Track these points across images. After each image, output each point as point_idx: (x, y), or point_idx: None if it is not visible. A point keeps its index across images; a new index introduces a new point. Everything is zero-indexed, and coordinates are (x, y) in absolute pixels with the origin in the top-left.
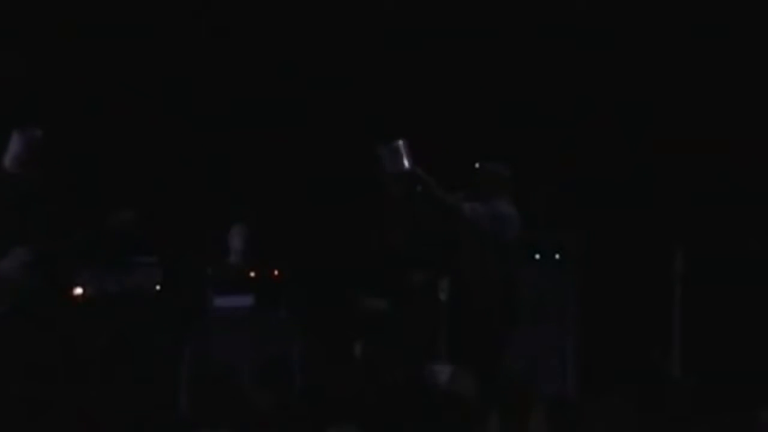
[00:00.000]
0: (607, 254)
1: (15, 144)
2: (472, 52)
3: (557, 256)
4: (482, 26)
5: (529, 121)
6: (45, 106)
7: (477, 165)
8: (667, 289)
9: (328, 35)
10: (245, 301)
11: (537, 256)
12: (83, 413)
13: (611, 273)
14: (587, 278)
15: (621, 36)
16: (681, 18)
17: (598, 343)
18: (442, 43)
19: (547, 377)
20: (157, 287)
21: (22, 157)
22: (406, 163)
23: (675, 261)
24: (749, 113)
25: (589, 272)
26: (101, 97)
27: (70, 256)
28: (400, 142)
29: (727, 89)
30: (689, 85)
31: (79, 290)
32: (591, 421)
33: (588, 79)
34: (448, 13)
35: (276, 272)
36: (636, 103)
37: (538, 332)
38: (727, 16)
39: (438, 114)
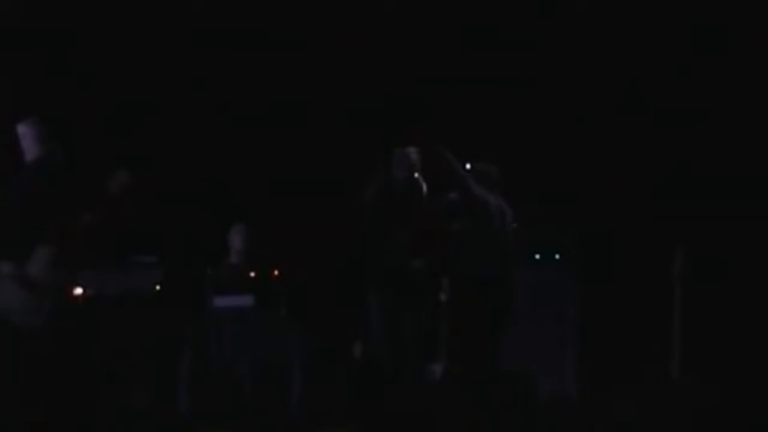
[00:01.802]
0: (607, 254)
1: (25, 134)
2: (472, 52)
3: (557, 256)
4: (481, 26)
5: (529, 120)
6: (43, 106)
7: (468, 166)
8: (667, 290)
9: (329, 36)
10: (245, 301)
11: (537, 256)
12: (83, 413)
13: (611, 273)
14: (587, 278)
15: (622, 33)
16: (682, 17)
17: (598, 343)
18: (441, 43)
19: (547, 377)
20: (157, 287)
21: (38, 139)
22: (414, 169)
23: (675, 261)
24: (749, 113)
25: (589, 272)
26: (100, 97)
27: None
28: (411, 149)
29: (728, 89)
30: (690, 84)
31: (79, 290)
32: (591, 421)
33: (589, 79)
34: (446, 14)
35: (276, 272)
36: (636, 103)
37: (538, 332)
38: (728, 17)
39: (437, 114)
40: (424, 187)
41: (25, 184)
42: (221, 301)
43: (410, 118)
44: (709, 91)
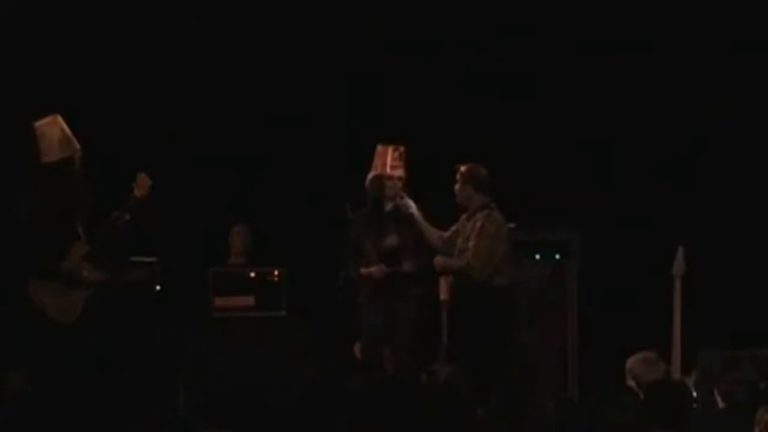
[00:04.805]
0: (607, 254)
1: (44, 134)
2: (473, 51)
3: (557, 256)
4: (477, 24)
5: (529, 120)
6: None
7: (458, 167)
8: (667, 289)
9: (327, 38)
10: (245, 301)
11: (537, 256)
12: (82, 413)
13: (611, 273)
14: (587, 278)
15: (621, 32)
16: (684, 19)
17: (598, 343)
18: (439, 43)
19: (547, 377)
20: (157, 287)
21: (57, 140)
22: (399, 166)
23: (675, 260)
24: (750, 113)
25: (589, 272)
26: (99, 96)
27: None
28: (400, 148)
29: (727, 89)
30: (690, 84)
31: None
32: (591, 421)
33: (588, 78)
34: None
35: (276, 272)
36: (636, 103)
37: (538, 332)
38: (729, 19)
39: (434, 113)
40: (412, 209)
41: (44, 189)
42: (221, 301)
43: (409, 118)
44: (709, 91)
